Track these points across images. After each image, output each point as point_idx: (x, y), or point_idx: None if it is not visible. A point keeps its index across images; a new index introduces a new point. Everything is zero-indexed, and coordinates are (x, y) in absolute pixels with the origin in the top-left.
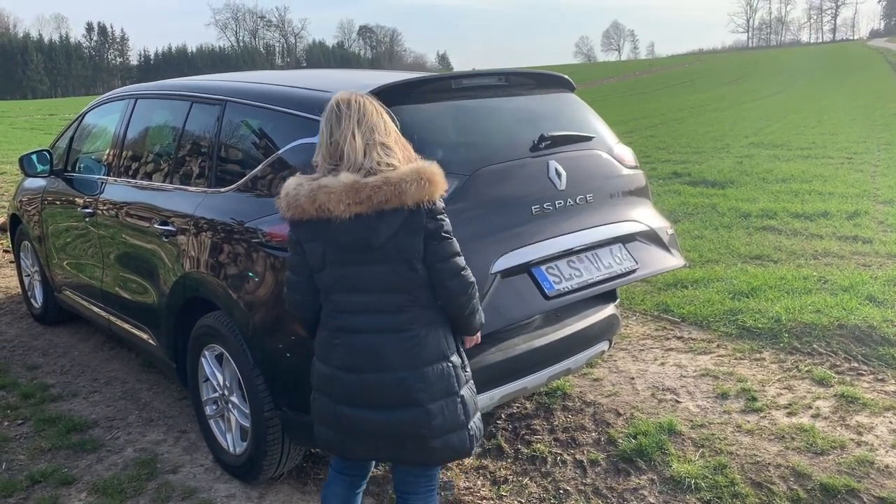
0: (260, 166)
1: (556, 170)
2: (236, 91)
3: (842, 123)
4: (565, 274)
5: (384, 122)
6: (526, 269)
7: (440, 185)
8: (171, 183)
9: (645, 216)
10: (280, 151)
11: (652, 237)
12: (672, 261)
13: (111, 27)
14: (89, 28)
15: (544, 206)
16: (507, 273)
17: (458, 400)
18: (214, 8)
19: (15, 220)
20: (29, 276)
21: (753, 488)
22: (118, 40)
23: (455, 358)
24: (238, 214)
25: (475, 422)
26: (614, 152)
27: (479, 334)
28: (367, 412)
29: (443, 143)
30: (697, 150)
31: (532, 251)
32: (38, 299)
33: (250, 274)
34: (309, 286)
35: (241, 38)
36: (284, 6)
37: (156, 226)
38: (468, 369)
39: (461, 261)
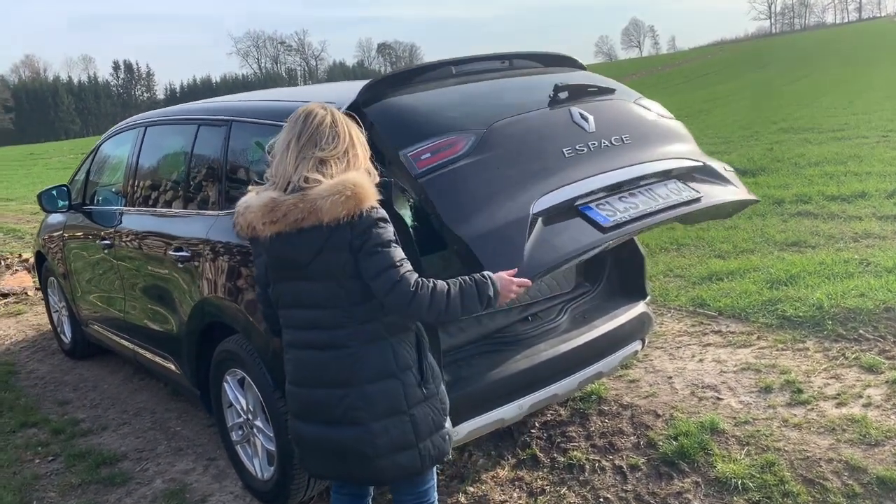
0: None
1: (580, 114)
2: (241, 110)
3: (874, 102)
4: (619, 208)
5: (338, 136)
6: (571, 206)
7: (365, 198)
8: (183, 208)
9: (695, 154)
10: None
11: (710, 172)
12: (740, 193)
13: (136, 64)
14: (116, 67)
15: (577, 147)
16: (552, 213)
17: (407, 419)
18: (235, 37)
19: (40, 257)
20: (57, 311)
21: (805, 485)
22: (144, 76)
23: (408, 375)
24: None
25: (434, 440)
26: (641, 102)
27: (524, 279)
28: (317, 428)
29: (451, 113)
30: (725, 139)
31: (573, 189)
32: (67, 334)
33: None
34: (268, 299)
35: (262, 64)
36: (303, 30)
37: (171, 252)
38: (431, 384)
39: (396, 273)
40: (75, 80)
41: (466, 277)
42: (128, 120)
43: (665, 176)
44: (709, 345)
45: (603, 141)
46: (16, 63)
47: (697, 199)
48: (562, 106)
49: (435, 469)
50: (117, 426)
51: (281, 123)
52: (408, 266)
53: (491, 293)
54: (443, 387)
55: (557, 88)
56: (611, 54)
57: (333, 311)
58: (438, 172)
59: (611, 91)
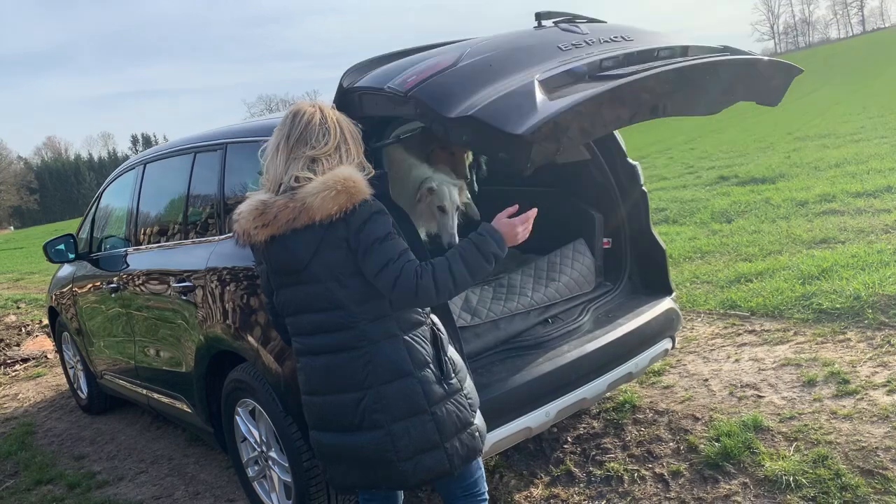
0: None
1: (573, 27)
2: (235, 132)
3: (890, 106)
4: (630, 69)
5: (329, 132)
6: (577, 72)
7: (357, 192)
8: (185, 239)
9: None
10: None
11: (733, 52)
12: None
13: (154, 136)
14: (134, 140)
15: (573, 43)
16: (558, 80)
17: (429, 418)
18: (248, 103)
19: (53, 312)
20: (72, 367)
21: (864, 477)
22: None
23: (425, 372)
24: (250, 257)
25: (462, 438)
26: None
27: (528, 213)
28: (335, 436)
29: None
30: (741, 153)
31: (577, 63)
32: (83, 389)
33: (269, 316)
34: (274, 309)
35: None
36: (314, 90)
37: (173, 285)
38: (453, 379)
39: (396, 267)
40: (95, 157)
41: (463, 242)
42: (126, 162)
43: (681, 52)
44: (744, 345)
45: (601, 37)
46: (38, 145)
47: (723, 54)
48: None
49: (480, 460)
50: (134, 475)
51: None
52: (408, 256)
53: (494, 246)
54: (469, 381)
55: (540, 16)
56: None
57: (339, 312)
58: (428, 82)
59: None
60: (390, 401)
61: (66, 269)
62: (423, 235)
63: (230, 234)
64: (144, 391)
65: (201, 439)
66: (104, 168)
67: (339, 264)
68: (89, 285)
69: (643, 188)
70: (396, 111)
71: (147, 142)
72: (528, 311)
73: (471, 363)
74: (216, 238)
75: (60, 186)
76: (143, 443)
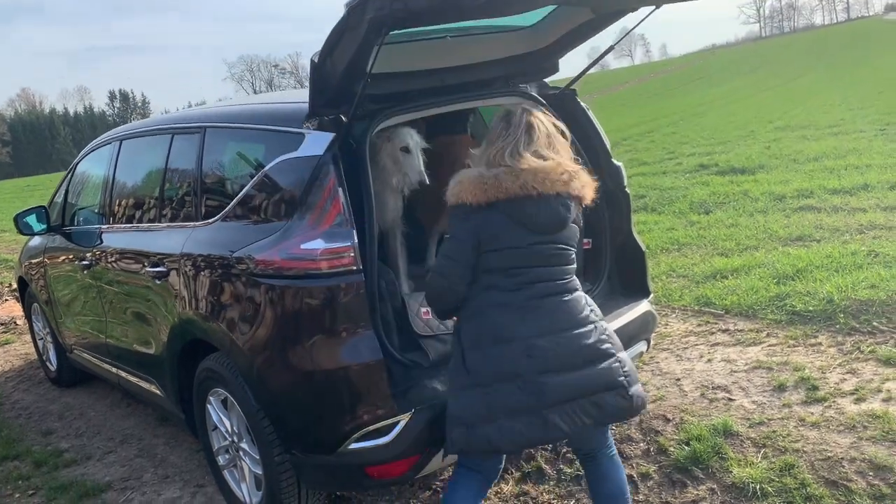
0: (244, 190)
1: None
2: (214, 116)
3: (869, 98)
4: None
5: None
6: None
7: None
8: (159, 222)
9: None
10: (263, 171)
11: None
12: None
13: (132, 93)
14: (112, 96)
15: None
16: None
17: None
18: (229, 62)
19: (23, 283)
20: (42, 338)
21: (828, 488)
22: (140, 105)
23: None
24: (227, 245)
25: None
26: None
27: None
28: (568, 374)
29: None
30: (722, 140)
31: None
32: (52, 362)
33: (244, 306)
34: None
35: (257, 88)
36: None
37: (147, 269)
38: None
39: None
40: (71, 112)
41: None
42: (103, 136)
43: None
44: (717, 344)
45: None
46: (11, 97)
47: None
48: None
49: None
50: (102, 455)
51: (256, 126)
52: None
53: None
54: None
55: None
56: (603, 64)
57: (571, 266)
58: None
59: None
60: (610, 334)
61: (38, 240)
62: (409, 182)
63: (208, 220)
64: (115, 370)
65: (171, 420)
66: (80, 124)
67: (575, 231)
68: (61, 258)
69: (626, 189)
70: None
71: (125, 98)
72: None
73: (443, 366)
74: (194, 223)
75: (34, 140)
76: (112, 420)
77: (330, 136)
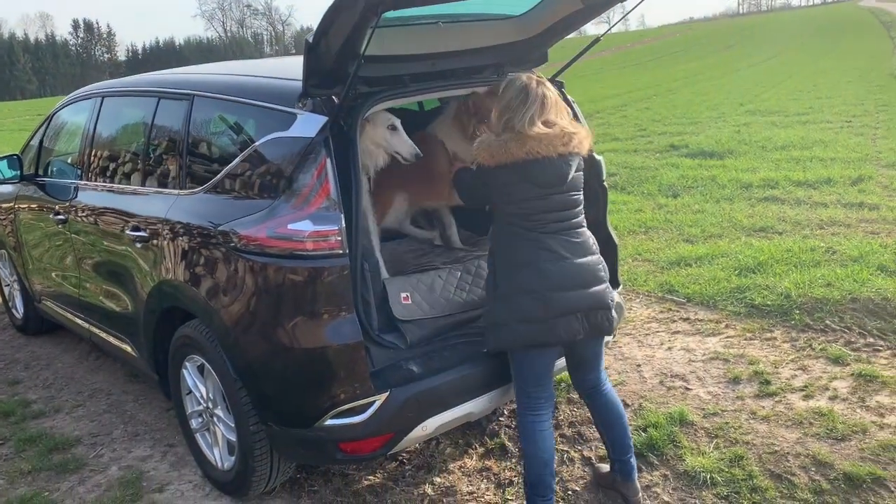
0: (231, 164)
1: None
2: (204, 84)
3: (838, 86)
4: None
5: None
6: None
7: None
8: (141, 185)
9: None
10: (252, 147)
11: None
12: None
13: (97, 23)
14: (75, 25)
15: None
16: None
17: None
18: None
19: None
20: (8, 285)
21: (773, 480)
22: (105, 36)
23: None
24: (211, 217)
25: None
26: None
27: None
28: (573, 294)
29: None
30: (693, 120)
31: None
32: (19, 309)
33: (227, 280)
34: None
35: (228, 28)
36: None
37: (128, 232)
38: None
39: None
40: (32, 38)
41: None
42: (84, 89)
43: None
44: (677, 332)
45: None
46: None
47: None
48: None
49: None
50: (71, 408)
51: (247, 101)
52: None
53: None
54: None
55: None
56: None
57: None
58: None
59: None
60: (604, 265)
61: (9, 187)
62: (378, 164)
63: (194, 190)
64: (87, 325)
65: (140, 377)
66: (41, 52)
67: (579, 178)
68: (34, 207)
69: (604, 183)
70: None
71: (89, 28)
72: (479, 301)
73: (423, 348)
74: (179, 191)
75: None
76: (80, 373)
77: (322, 119)
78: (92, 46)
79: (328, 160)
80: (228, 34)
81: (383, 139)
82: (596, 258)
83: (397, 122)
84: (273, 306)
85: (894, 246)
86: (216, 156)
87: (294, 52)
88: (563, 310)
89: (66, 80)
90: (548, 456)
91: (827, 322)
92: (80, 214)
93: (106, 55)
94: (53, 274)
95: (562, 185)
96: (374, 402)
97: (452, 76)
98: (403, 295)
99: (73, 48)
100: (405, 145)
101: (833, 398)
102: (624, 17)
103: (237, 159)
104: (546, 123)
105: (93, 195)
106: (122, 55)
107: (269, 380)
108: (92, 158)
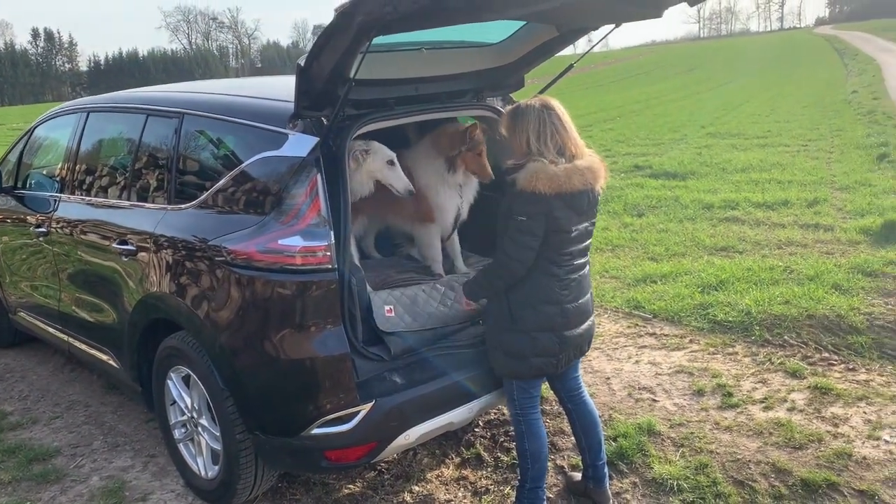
0: (221, 181)
1: None
2: (194, 103)
3: (795, 111)
4: None
5: None
6: None
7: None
8: (128, 200)
9: None
10: (243, 165)
11: None
12: None
13: (58, 33)
14: (35, 34)
15: None
16: None
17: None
18: (165, 11)
19: None
20: None
21: (735, 487)
22: (66, 46)
23: None
24: (200, 232)
25: None
26: None
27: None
28: (578, 329)
29: None
30: (656, 141)
31: None
32: None
33: (215, 292)
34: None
35: (193, 40)
36: (237, 7)
37: (114, 245)
38: None
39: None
40: None
41: None
42: (68, 103)
43: None
44: (644, 347)
45: None
46: None
47: None
48: None
49: None
50: (49, 420)
51: (237, 120)
52: None
53: None
54: None
55: None
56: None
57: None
58: None
59: None
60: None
61: None
62: (365, 192)
63: (182, 206)
64: (67, 338)
65: (118, 388)
66: None
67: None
68: (11, 219)
69: None
70: None
71: (50, 38)
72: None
73: (406, 359)
74: (167, 206)
75: None
76: (56, 385)
77: (314, 139)
78: (52, 56)
79: (319, 178)
80: (193, 47)
81: (381, 172)
82: (591, 289)
83: (395, 158)
84: (262, 319)
85: (847, 265)
86: (205, 173)
87: (260, 66)
88: (571, 344)
89: (25, 89)
90: (546, 445)
91: (785, 338)
92: (63, 227)
93: (67, 65)
94: (31, 286)
95: (591, 211)
96: (360, 411)
97: (435, 100)
98: (387, 308)
99: (34, 57)
100: (401, 181)
101: (791, 409)
102: (596, 44)
103: (227, 176)
104: (580, 150)
105: (78, 208)
106: (83, 65)
107: (256, 390)
108: (77, 172)
